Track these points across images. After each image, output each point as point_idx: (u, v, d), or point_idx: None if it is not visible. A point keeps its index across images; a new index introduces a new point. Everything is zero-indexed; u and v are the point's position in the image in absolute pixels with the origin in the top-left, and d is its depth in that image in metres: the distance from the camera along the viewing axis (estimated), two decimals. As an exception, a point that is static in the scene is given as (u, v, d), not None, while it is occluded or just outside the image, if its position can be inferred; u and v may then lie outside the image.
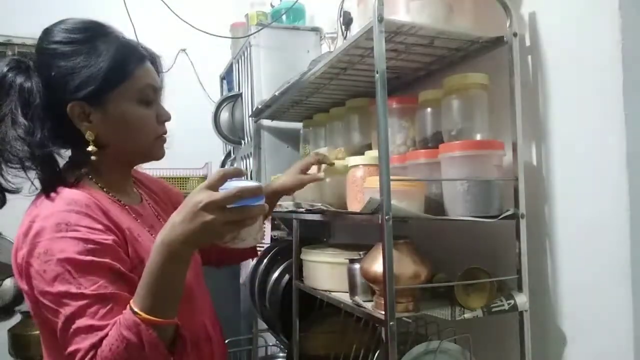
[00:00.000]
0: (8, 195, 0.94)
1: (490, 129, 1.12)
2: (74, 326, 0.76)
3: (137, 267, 0.85)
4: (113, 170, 0.97)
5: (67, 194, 0.86)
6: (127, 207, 0.97)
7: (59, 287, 0.77)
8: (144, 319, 0.74)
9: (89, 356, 0.75)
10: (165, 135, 1.00)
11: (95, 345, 0.75)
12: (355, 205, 1.18)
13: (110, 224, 0.86)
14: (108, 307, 0.78)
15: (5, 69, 0.89)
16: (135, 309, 0.75)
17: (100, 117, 0.91)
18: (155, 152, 0.99)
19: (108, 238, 0.83)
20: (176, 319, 0.79)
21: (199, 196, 0.74)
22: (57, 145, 0.91)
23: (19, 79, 0.88)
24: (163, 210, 1.08)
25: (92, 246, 0.80)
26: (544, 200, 1.11)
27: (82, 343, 0.75)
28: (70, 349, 0.76)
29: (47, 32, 0.93)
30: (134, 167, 1.07)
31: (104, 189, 0.95)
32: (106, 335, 0.75)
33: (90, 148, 0.91)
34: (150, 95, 0.95)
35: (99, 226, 0.83)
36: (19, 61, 0.90)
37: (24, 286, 0.84)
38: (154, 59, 1.00)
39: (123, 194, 0.99)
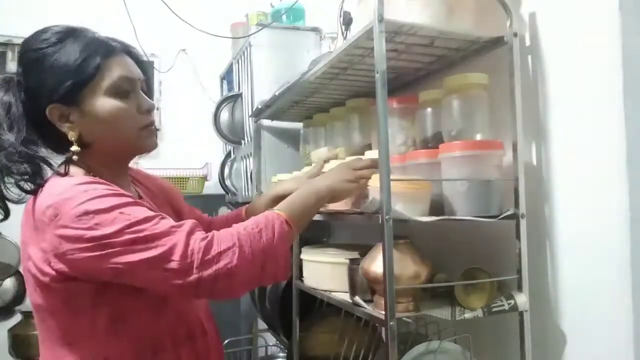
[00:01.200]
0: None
1: (490, 129, 1.12)
2: (157, 232, 0.81)
3: None
4: (105, 167, 0.98)
5: (65, 180, 0.89)
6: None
7: (122, 224, 0.81)
8: (285, 216, 0.91)
9: (195, 235, 0.83)
10: (151, 126, 0.99)
11: (192, 230, 0.83)
12: (347, 205, 1.19)
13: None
14: (171, 220, 0.85)
15: None
16: (278, 210, 0.92)
17: (79, 115, 0.92)
18: (143, 143, 0.99)
19: (130, 197, 0.88)
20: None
21: (343, 163, 1.08)
22: (51, 150, 0.96)
23: (1, 94, 0.91)
24: (160, 209, 1.07)
25: (125, 196, 0.86)
26: (544, 200, 1.11)
27: (175, 235, 0.82)
28: (162, 250, 0.80)
29: (25, 42, 0.95)
30: (130, 165, 1.08)
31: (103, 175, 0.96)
32: (194, 224, 0.85)
33: (73, 148, 0.92)
34: (125, 87, 0.94)
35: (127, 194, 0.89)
36: (3, 77, 0.93)
37: (57, 264, 0.84)
38: (128, 51, 0.99)
39: (121, 183, 1.00)
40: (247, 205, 1.32)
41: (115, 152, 0.99)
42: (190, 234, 0.83)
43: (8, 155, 0.88)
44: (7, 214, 0.96)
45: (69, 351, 0.89)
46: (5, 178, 0.90)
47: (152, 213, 0.85)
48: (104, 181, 0.89)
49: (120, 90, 0.94)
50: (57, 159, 0.96)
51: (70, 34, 0.93)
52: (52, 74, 0.90)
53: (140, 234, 0.81)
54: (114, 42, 0.97)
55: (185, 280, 0.81)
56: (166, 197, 1.18)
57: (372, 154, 1.20)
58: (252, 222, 0.89)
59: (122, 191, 0.88)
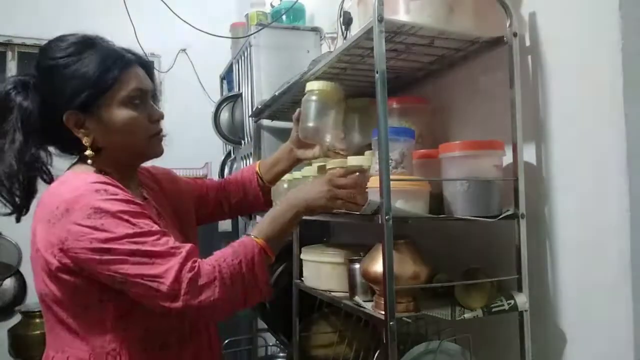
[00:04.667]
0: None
1: (490, 129, 1.12)
2: (156, 250, 0.86)
3: None
4: (115, 170, 1.03)
5: (81, 177, 0.95)
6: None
7: (126, 231, 0.86)
8: (262, 244, 0.93)
9: (188, 264, 0.86)
10: (160, 134, 1.05)
11: (188, 258, 0.87)
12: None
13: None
14: (172, 238, 0.90)
15: (8, 88, 0.97)
16: (254, 236, 0.94)
17: (94, 123, 0.98)
18: (152, 150, 1.05)
19: (134, 201, 0.93)
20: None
21: (324, 176, 1.03)
22: (60, 151, 1.03)
23: (19, 98, 0.96)
24: (168, 203, 1.16)
25: (134, 204, 0.92)
26: (544, 200, 1.11)
27: (172, 260, 0.86)
28: (158, 271, 0.85)
29: (43, 50, 1.00)
30: (140, 166, 1.14)
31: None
32: (191, 251, 0.88)
33: (87, 152, 0.99)
34: (138, 98, 1.00)
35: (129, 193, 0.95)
36: (21, 81, 0.98)
37: (62, 258, 0.89)
38: (143, 62, 1.05)
39: (128, 184, 1.04)
40: (260, 161, 1.38)
41: (124, 157, 1.04)
42: (185, 261, 0.87)
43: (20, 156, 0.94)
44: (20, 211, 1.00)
45: (78, 340, 0.94)
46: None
47: (156, 228, 0.89)
48: (116, 183, 0.95)
49: (133, 101, 0.99)
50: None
51: (88, 44, 0.99)
52: (71, 83, 0.95)
53: (141, 247, 0.86)
54: (130, 54, 1.02)
55: (171, 305, 0.85)
56: (177, 189, 1.23)
57: (355, 160, 1.20)
58: (231, 253, 0.92)
59: (131, 197, 0.94)
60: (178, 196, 1.22)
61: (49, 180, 1.00)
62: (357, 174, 1.05)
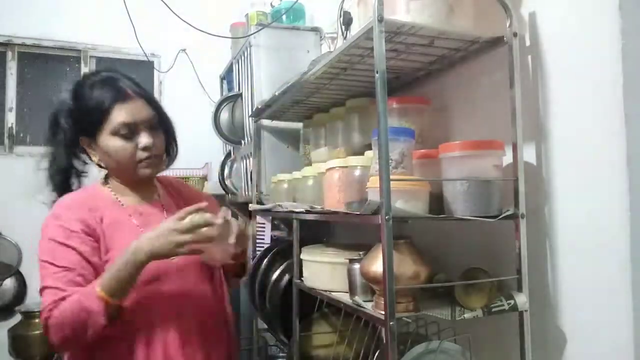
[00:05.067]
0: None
1: (490, 129, 1.12)
2: (46, 286, 1.10)
3: (106, 249, 1.17)
4: (117, 180, 1.28)
5: (75, 193, 1.25)
6: (124, 206, 1.25)
7: (45, 257, 1.13)
8: (101, 295, 1.05)
9: (50, 307, 1.07)
10: (148, 160, 1.21)
11: (57, 302, 1.07)
12: (332, 206, 1.21)
13: (89, 217, 1.18)
14: (70, 278, 1.10)
15: (56, 109, 1.26)
16: (97, 287, 1.06)
17: (95, 147, 1.22)
18: (138, 173, 1.23)
19: (77, 227, 1.15)
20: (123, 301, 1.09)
21: (167, 223, 1.07)
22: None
23: (62, 119, 1.25)
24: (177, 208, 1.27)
25: (67, 233, 1.14)
26: (544, 200, 1.11)
27: (49, 298, 1.08)
28: (42, 300, 1.10)
29: (78, 80, 1.26)
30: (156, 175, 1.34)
31: (111, 191, 1.27)
32: (68, 296, 1.07)
33: (97, 167, 1.28)
34: (125, 130, 1.18)
35: (80, 218, 1.17)
36: (65, 104, 1.25)
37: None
38: (142, 94, 1.21)
39: (127, 196, 1.27)
40: None
41: (119, 177, 1.27)
42: (51, 304, 1.07)
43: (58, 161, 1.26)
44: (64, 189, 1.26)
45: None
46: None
47: (65, 262, 1.11)
48: (78, 211, 1.18)
49: (121, 132, 1.18)
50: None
51: (101, 81, 1.20)
52: (81, 113, 1.21)
53: (44, 273, 1.12)
54: (128, 88, 1.19)
55: (42, 318, 1.10)
56: (183, 199, 1.37)
57: (355, 160, 1.20)
58: (77, 302, 1.06)
59: (75, 229, 1.15)
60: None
61: (77, 185, 1.28)
62: (207, 227, 1.06)
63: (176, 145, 1.37)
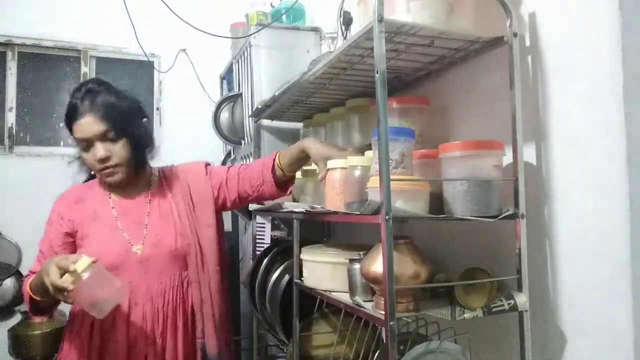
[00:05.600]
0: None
1: (490, 129, 1.12)
2: (38, 253, 1.37)
3: (82, 237, 1.34)
4: None
5: (76, 185, 1.45)
6: (112, 199, 1.40)
7: (45, 235, 1.39)
8: (27, 289, 1.28)
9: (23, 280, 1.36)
10: (105, 170, 1.32)
11: (27, 277, 1.34)
12: (332, 206, 1.22)
13: (71, 210, 1.37)
14: (42, 260, 1.31)
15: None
16: (29, 281, 1.29)
17: None
18: (105, 181, 1.37)
19: (55, 218, 1.37)
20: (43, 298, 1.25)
21: (51, 266, 1.11)
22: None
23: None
24: (181, 193, 1.44)
25: (49, 221, 1.38)
26: (544, 200, 1.11)
27: (35, 264, 1.35)
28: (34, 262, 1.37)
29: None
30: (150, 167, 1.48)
31: (103, 185, 1.42)
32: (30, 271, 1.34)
33: None
34: (84, 145, 1.30)
35: (60, 211, 1.38)
36: None
37: None
38: (90, 109, 1.29)
39: (116, 190, 1.41)
40: (279, 152, 1.47)
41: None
42: (27, 276, 1.35)
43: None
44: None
45: None
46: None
47: (41, 247, 1.37)
48: (65, 203, 1.39)
49: (81, 146, 1.32)
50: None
51: (71, 96, 1.32)
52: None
53: (40, 246, 1.38)
54: (82, 106, 1.28)
55: None
56: (193, 186, 1.46)
57: (354, 160, 1.21)
58: (25, 287, 1.31)
59: (52, 218, 1.38)
60: (196, 186, 1.46)
61: (86, 179, 1.47)
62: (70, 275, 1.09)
63: (148, 144, 1.42)
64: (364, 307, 1.10)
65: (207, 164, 1.53)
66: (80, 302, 1.13)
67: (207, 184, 1.47)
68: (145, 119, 1.42)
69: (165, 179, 1.47)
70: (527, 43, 1.14)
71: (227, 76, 2.73)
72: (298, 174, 1.56)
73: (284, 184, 1.47)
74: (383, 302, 0.97)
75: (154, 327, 1.31)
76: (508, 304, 1.05)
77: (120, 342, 1.29)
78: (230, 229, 2.84)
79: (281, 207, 1.56)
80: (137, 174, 1.40)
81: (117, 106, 1.31)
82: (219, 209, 1.49)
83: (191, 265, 1.37)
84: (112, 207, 1.38)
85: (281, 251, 1.95)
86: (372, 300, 1.11)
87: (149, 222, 1.38)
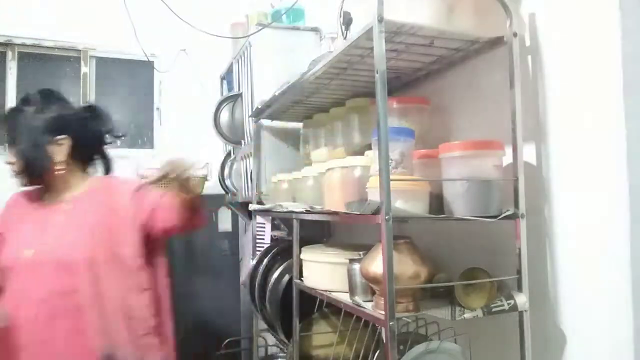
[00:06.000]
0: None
1: (490, 129, 1.12)
2: None
3: (5, 239, 1.38)
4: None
5: (25, 189, 1.47)
6: (43, 202, 1.43)
7: None
8: None
9: None
10: (15, 175, 1.40)
11: None
12: (332, 206, 1.21)
13: (7, 212, 1.46)
14: None
15: None
16: None
17: None
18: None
19: None
20: None
21: None
22: None
23: None
24: (97, 215, 1.40)
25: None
26: (544, 200, 1.11)
27: None
28: None
29: None
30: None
31: (40, 190, 1.46)
32: None
33: None
34: None
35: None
36: None
37: None
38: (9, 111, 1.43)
39: (47, 194, 1.44)
40: None
41: None
42: None
43: None
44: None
45: None
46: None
47: None
48: (15, 199, 1.48)
49: None
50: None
51: None
52: None
53: None
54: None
55: None
56: (114, 212, 1.41)
57: (354, 160, 1.20)
58: None
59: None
60: (120, 204, 1.42)
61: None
62: None
63: (34, 155, 1.37)
64: (364, 307, 1.10)
65: (142, 186, 1.41)
66: None
67: (132, 204, 1.41)
68: (62, 136, 1.38)
69: (95, 190, 1.45)
70: (527, 43, 1.14)
71: (227, 76, 2.72)
72: (299, 174, 1.56)
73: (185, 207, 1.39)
74: (383, 302, 0.97)
75: (42, 331, 1.29)
76: (508, 304, 1.05)
77: (9, 346, 1.28)
78: (230, 229, 2.84)
79: (281, 207, 1.56)
80: (58, 180, 1.41)
81: (21, 115, 1.38)
82: (148, 233, 1.41)
83: (84, 278, 1.31)
84: (36, 210, 1.43)
85: (281, 251, 1.95)
86: (372, 300, 1.11)
87: (54, 227, 1.37)
